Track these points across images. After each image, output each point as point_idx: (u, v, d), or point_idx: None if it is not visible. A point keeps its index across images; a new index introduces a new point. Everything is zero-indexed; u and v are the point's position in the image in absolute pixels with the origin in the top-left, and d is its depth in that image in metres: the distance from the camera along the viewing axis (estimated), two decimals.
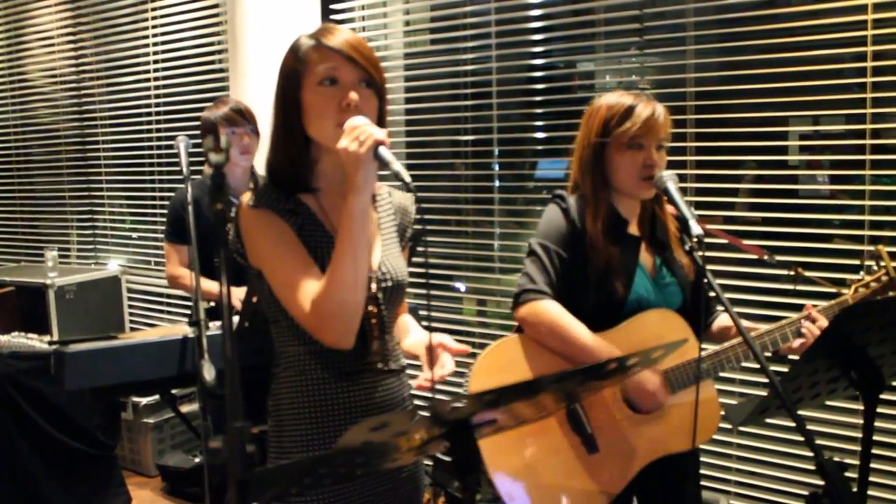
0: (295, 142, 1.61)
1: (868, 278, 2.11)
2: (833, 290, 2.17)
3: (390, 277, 1.67)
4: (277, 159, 1.65)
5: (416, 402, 1.82)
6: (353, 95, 1.55)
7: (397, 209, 1.78)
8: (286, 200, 1.62)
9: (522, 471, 2.01)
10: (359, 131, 1.48)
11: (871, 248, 2.19)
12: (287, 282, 1.56)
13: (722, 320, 2.24)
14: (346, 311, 1.52)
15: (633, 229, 2.13)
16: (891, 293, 2.09)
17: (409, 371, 1.79)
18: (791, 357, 2.06)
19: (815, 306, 2.07)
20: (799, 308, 2.11)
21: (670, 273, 2.14)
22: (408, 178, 1.45)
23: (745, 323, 2.15)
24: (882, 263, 2.11)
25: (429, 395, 1.49)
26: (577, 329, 2.00)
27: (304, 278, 1.54)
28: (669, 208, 2.17)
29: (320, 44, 1.58)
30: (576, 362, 1.98)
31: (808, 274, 2.31)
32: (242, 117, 3.04)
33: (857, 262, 2.20)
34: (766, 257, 2.41)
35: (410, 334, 1.80)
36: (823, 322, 2.03)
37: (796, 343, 2.03)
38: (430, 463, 3.43)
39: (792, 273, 2.31)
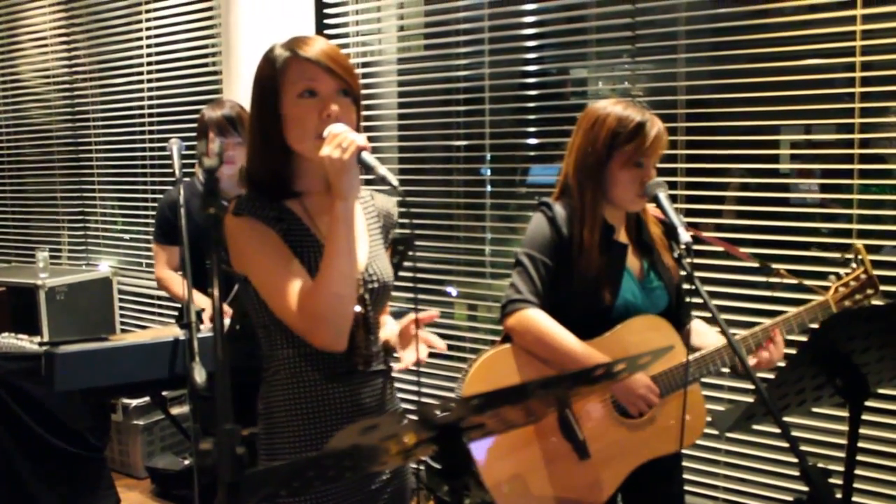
0: (275, 153, 1.62)
1: (847, 277, 2.15)
2: (814, 293, 2.19)
3: (377, 279, 1.69)
4: (257, 169, 1.65)
5: (406, 405, 1.83)
6: (334, 107, 1.56)
7: (380, 212, 1.80)
8: (270, 207, 1.62)
9: (516, 478, 2.02)
10: (340, 138, 1.50)
11: (849, 251, 2.22)
12: (275, 287, 1.56)
13: (696, 331, 2.25)
14: (336, 314, 1.54)
15: (621, 236, 2.15)
16: (869, 291, 2.13)
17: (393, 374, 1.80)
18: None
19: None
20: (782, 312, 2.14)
21: (657, 277, 2.16)
22: (394, 181, 1.46)
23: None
24: (860, 258, 2.15)
25: (418, 399, 1.50)
26: (564, 337, 2.01)
27: (291, 283, 1.55)
28: (652, 211, 2.19)
29: (297, 55, 1.58)
30: (564, 370, 1.99)
31: (788, 277, 2.33)
32: (232, 126, 2.98)
33: (841, 270, 2.22)
34: (752, 263, 2.43)
35: (385, 327, 1.81)
36: (780, 346, 2.07)
37: (752, 360, 2.06)
38: (421, 467, 3.42)
39: (774, 278, 2.34)
